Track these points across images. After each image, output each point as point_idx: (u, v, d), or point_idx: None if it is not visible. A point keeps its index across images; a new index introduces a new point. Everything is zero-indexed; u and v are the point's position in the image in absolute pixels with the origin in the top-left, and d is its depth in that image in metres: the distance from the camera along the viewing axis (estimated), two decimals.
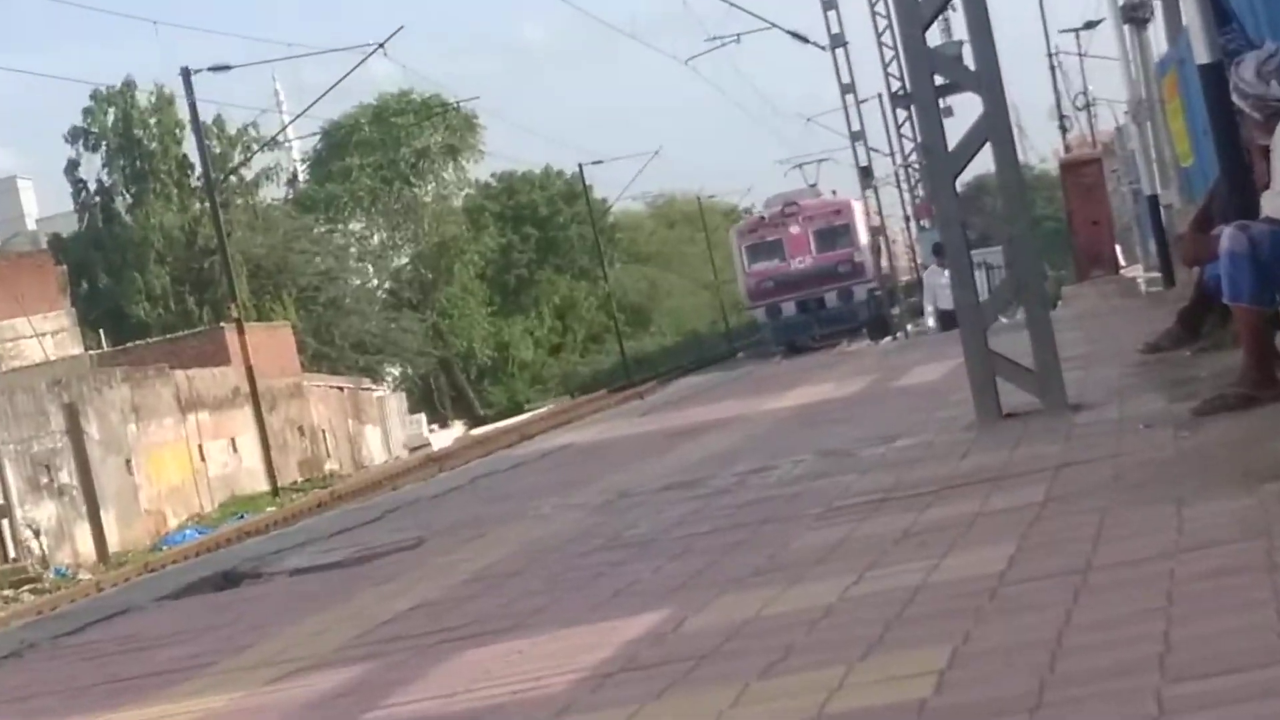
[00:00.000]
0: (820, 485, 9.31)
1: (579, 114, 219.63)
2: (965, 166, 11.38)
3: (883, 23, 57.29)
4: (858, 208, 67.51)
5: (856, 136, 64.00)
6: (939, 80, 11.47)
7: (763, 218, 68.87)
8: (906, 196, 66.49)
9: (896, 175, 67.55)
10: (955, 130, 11.33)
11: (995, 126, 10.94)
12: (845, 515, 7.88)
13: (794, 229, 65.49)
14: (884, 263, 71.82)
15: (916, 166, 60.83)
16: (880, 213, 74.18)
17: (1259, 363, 9.14)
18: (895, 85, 56.53)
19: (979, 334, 11.08)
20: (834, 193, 74.59)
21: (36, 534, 40.23)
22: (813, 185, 75.96)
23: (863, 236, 66.48)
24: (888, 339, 51.57)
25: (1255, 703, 3.59)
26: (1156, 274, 26.76)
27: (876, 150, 67.46)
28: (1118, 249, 43.14)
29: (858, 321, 66.19)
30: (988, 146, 10.98)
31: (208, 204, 58.83)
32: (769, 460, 11.25)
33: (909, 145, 58.59)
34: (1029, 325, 11.11)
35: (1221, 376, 9.87)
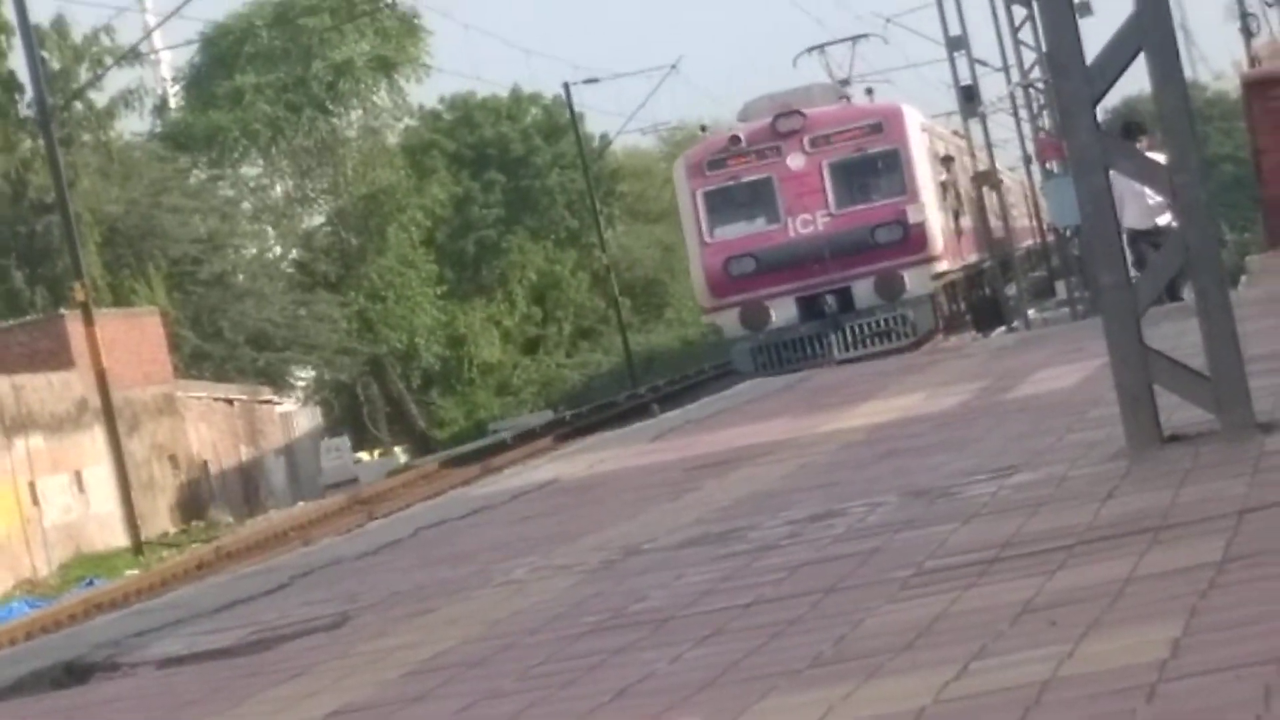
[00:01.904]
0: (906, 539, 9.32)
1: (564, 13, 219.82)
2: (1111, 87, 11.43)
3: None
4: (914, 120, 49.09)
5: (956, 45, 62.24)
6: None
7: (736, 139, 46.58)
8: (1026, 129, 63.86)
9: (1013, 98, 64.72)
10: (1096, 36, 11.34)
11: (1152, 28, 10.98)
12: (942, 582, 7.89)
13: (794, 161, 44.73)
14: (994, 222, 63.55)
15: (1041, 87, 54.07)
16: (991, 153, 66.27)
17: None
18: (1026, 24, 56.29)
19: (1131, 325, 11.11)
20: (869, 93, 55.00)
21: None
22: (843, 82, 56.73)
23: (925, 177, 46.78)
24: (1001, 329, 48.35)
25: None
26: None
27: (984, 64, 65.88)
28: None
29: (914, 333, 47.92)
30: (1141, 58, 11.04)
31: (42, 141, 58.76)
32: (833, 504, 11.25)
33: (1030, 57, 56.39)
34: (1200, 313, 11.12)
35: None
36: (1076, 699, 5.53)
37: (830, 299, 43.90)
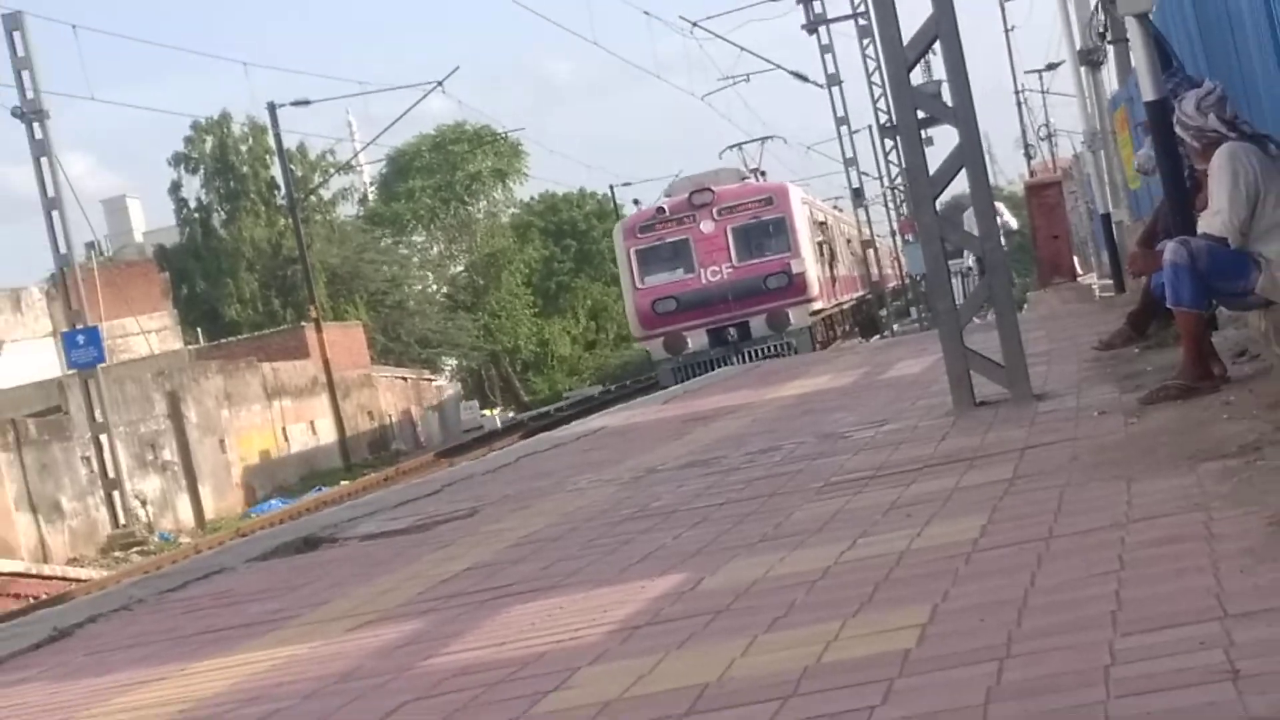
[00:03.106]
0: (819, 464, 9.30)
1: (608, 141, 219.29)
2: (944, 189, 11.40)
3: (872, 64, 56.83)
4: (796, 195, 43.56)
5: (850, 162, 62.30)
6: (920, 114, 11.46)
7: (661, 210, 41.87)
8: (892, 214, 64.18)
9: (884, 195, 63.56)
10: (935, 157, 11.32)
11: (969, 154, 10.93)
12: (840, 490, 7.88)
13: (705, 226, 40.49)
14: (873, 271, 63.47)
15: (901, 188, 53.36)
16: (870, 227, 67.18)
17: (1196, 359, 9.20)
18: (883, 118, 56.22)
19: (956, 333, 11.08)
20: (762, 175, 49.76)
21: (143, 503, 40.34)
22: (755, 170, 50.67)
23: (804, 237, 41.71)
24: (877, 337, 47.39)
25: (1194, 654, 3.60)
26: (1109, 281, 26.79)
27: (866, 174, 65.98)
28: (1075, 260, 43.13)
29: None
30: (963, 171, 11.01)
31: (291, 220, 59.03)
32: (774, 442, 11.25)
33: (894, 170, 56.47)
34: (998, 326, 11.12)
35: (1164, 371, 9.87)
36: (923, 562, 5.55)
37: (732, 330, 40.35)
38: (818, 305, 41.61)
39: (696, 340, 39.84)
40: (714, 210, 40.82)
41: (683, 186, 42.18)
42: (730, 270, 40.23)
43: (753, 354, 39.78)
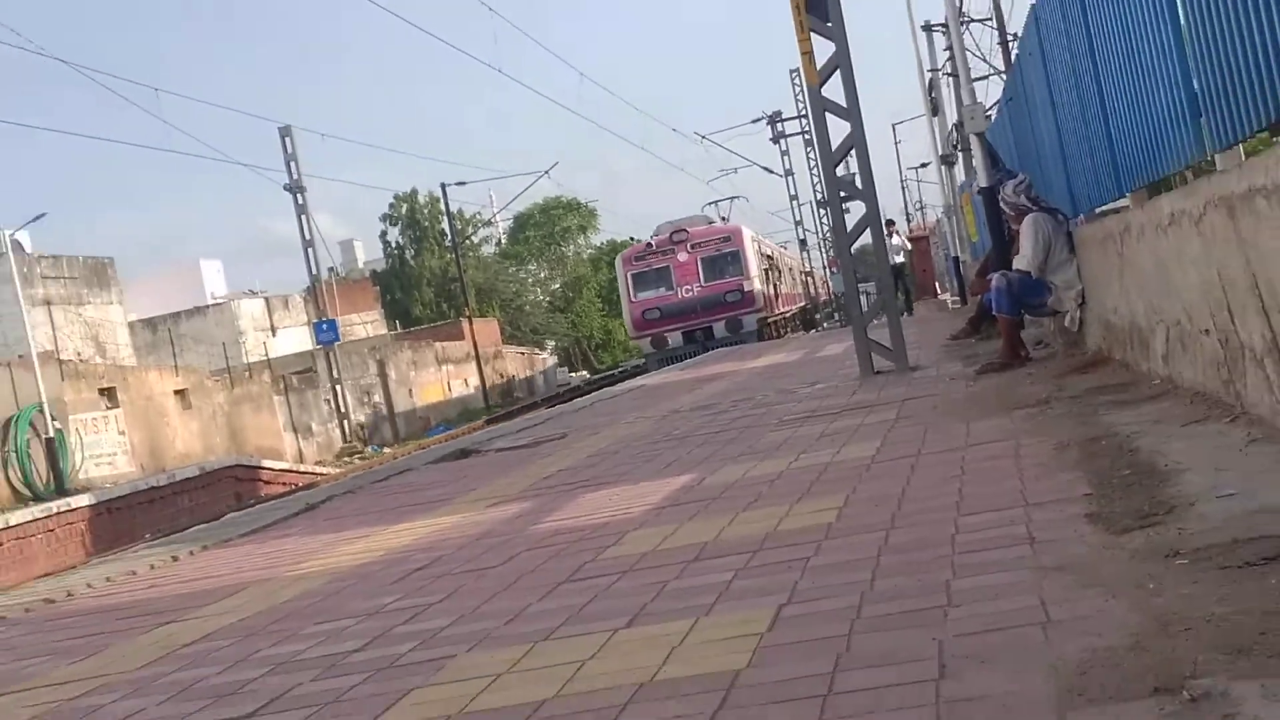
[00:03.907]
0: (777, 408, 9.28)
1: (653, 208, 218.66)
2: (856, 239, 11.34)
3: (813, 162, 56.90)
4: (748, 235, 39.82)
5: (798, 223, 62.90)
6: (842, 194, 11.41)
7: (650, 245, 38.85)
8: (824, 255, 64.63)
9: (820, 244, 65.66)
10: (851, 220, 11.27)
11: (871, 220, 10.89)
12: (789, 424, 7.86)
13: (681, 256, 37.55)
14: (811, 291, 60.31)
15: (830, 239, 51.44)
16: (810, 263, 65.32)
17: (1011, 346, 9.21)
18: (819, 195, 56.36)
19: (862, 329, 11.05)
20: (724, 219, 45.97)
21: (361, 428, 40.57)
22: (723, 218, 46.63)
23: (753, 265, 38.49)
24: (814, 331, 43.99)
25: (1006, 528, 3.60)
26: (957, 298, 26.64)
27: (809, 230, 66.58)
28: (937, 285, 42.90)
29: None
30: (867, 230, 10.97)
31: (453, 255, 59.07)
32: (748, 394, 11.22)
33: (825, 228, 56.88)
34: (888, 324, 11.07)
35: (991, 354, 9.82)
36: (841, 469, 5.51)
37: (700, 333, 36.25)
38: (763, 314, 38.20)
39: (674, 339, 36.64)
40: (688, 245, 37.57)
41: (666, 228, 38.97)
42: (699, 288, 37.22)
43: (715, 350, 36.37)
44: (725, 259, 37.27)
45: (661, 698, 2.61)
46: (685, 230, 37.91)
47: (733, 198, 57.29)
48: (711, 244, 37.40)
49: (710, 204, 55.18)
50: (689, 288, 37.08)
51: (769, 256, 45.36)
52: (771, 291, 42.14)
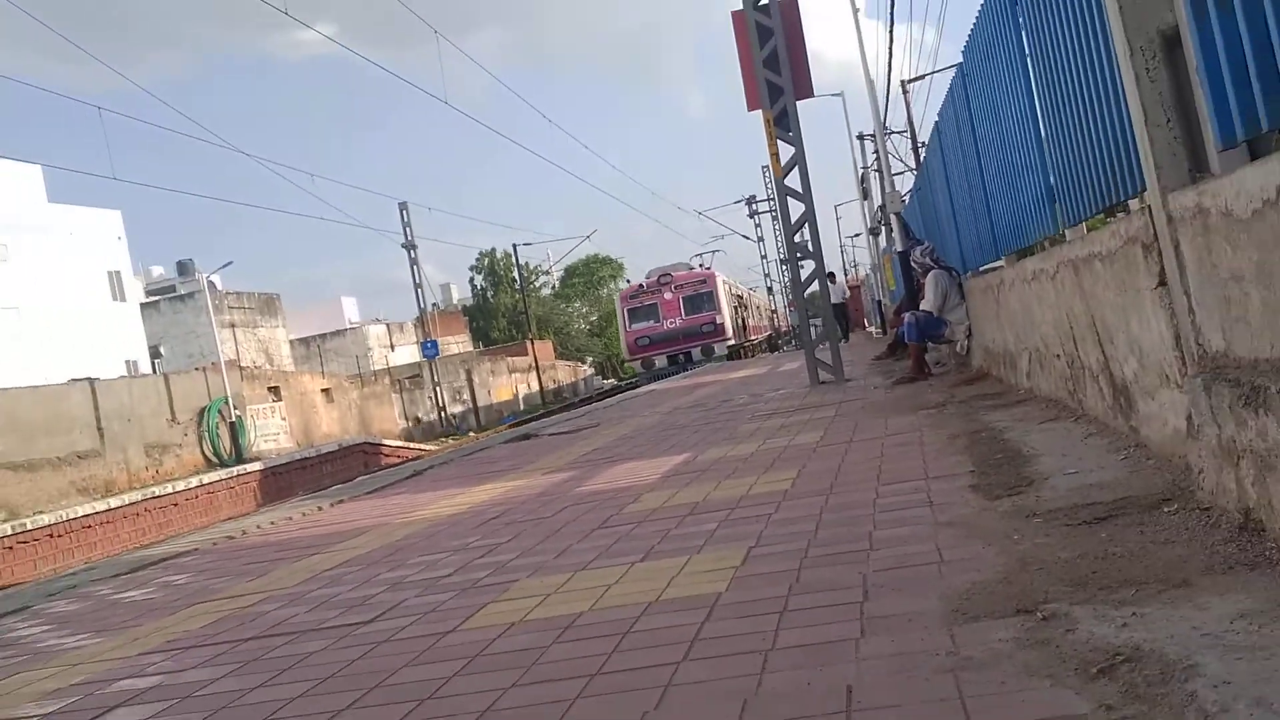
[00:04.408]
0: (750, 407, 9.21)
1: (664, 262, 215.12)
2: (807, 288, 11.30)
3: (779, 231, 56.69)
4: (720, 279, 36.57)
5: (766, 275, 62.66)
6: (798, 254, 11.37)
7: (642, 285, 35.84)
8: (785, 299, 63.76)
9: (783, 290, 64.52)
10: (805, 273, 11.22)
11: (818, 273, 10.83)
12: (758, 418, 7.81)
13: (667, 295, 34.54)
14: (775, 323, 57.62)
15: (789, 287, 50.72)
16: (775, 303, 63.10)
17: (917, 365, 9.12)
18: (783, 256, 56.10)
19: (811, 351, 10.99)
20: (703, 265, 41.38)
21: (453, 418, 40.37)
22: (704, 266, 41.38)
23: (724, 303, 35.27)
24: (776, 352, 42.18)
25: (912, 494, 3.58)
26: (880, 331, 26.48)
27: (775, 280, 65.97)
28: (866, 320, 42.63)
29: None
30: (816, 281, 10.91)
31: (521, 296, 59.05)
32: (729, 397, 11.14)
33: (786, 279, 55.16)
34: (830, 349, 11.01)
35: (903, 370, 9.75)
36: (795, 451, 5.46)
37: (681, 356, 33.30)
38: (732, 342, 35.16)
39: (661, 361, 33.88)
40: (672, 286, 34.65)
41: (655, 273, 36.18)
42: (680, 321, 34.41)
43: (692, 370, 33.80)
44: (702, 298, 34.58)
45: (665, 612, 2.61)
46: (670, 275, 35.30)
47: (714, 251, 56.50)
48: (690, 285, 34.71)
49: (696, 256, 52.94)
50: (672, 320, 34.48)
51: (740, 297, 42.46)
52: (740, 324, 39.62)
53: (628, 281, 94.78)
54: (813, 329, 11.58)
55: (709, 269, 38.23)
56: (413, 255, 37.20)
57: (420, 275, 37.55)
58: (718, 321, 34.32)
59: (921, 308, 9.15)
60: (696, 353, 33.62)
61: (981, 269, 7.88)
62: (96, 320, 34.12)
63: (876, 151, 25.11)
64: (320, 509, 6.88)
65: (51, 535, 17.05)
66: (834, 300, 23.15)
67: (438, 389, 39.50)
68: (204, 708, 2.45)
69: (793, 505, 3.77)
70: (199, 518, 20.19)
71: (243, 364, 34.38)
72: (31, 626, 4.05)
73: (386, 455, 28.58)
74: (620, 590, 2.91)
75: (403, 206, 37.18)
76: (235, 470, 23.41)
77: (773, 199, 55.35)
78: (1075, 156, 4.04)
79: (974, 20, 5.83)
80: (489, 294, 74.48)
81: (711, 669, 2.10)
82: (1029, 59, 4.63)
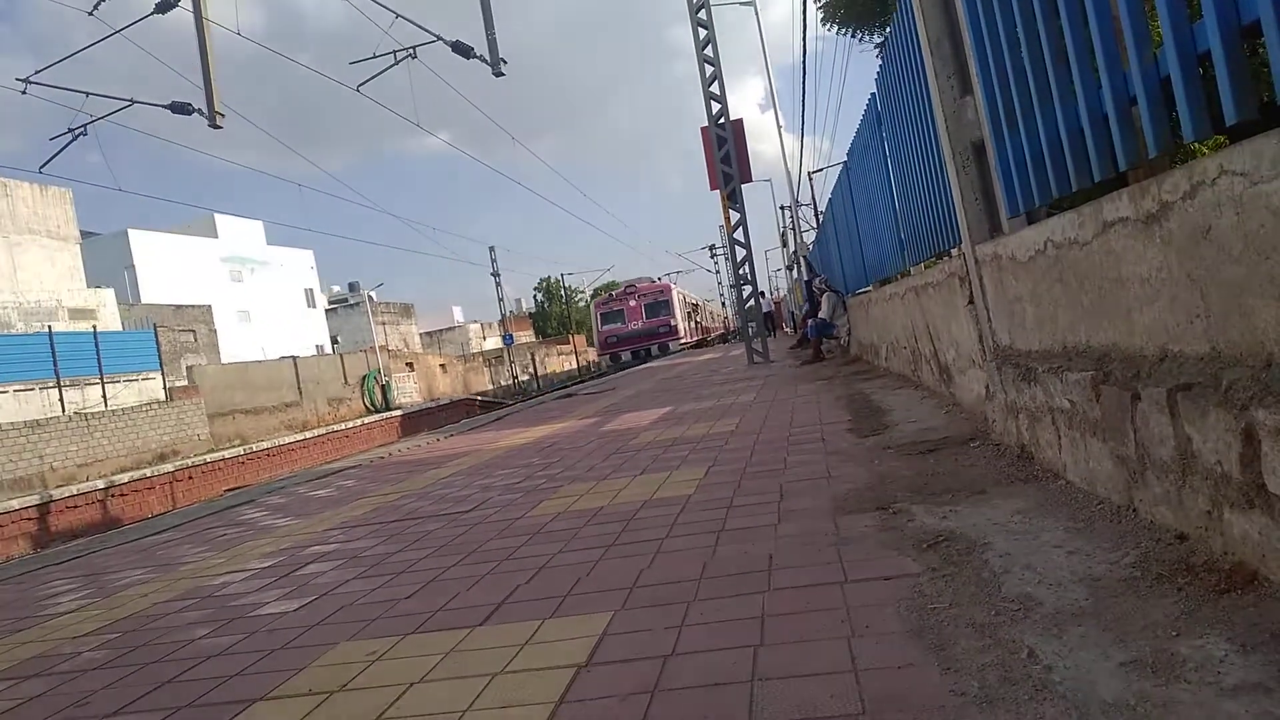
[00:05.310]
0: (710, 378, 9.02)
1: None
2: (748, 303, 11.11)
3: (729, 266, 55.29)
4: (676, 290, 31.43)
5: (722, 296, 62.52)
6: (742, 283, 11.23)
7: (611, 294, 30.26)
8: (733, 310, 61.90)
9: (733, 304, 62.88)
10: (745, 293, 11.05)
11: (754, 294, 10.68)
12: (715, 385, 7.65)
13: (632, 302, 29.18)
14: (726, 325, 50.12)
15: (736, 303, 45.56)
16: (728, 311, 56.97)
17: (816, 353, 8.96)
18: (730, 282, 54.00)
19: (749, 343, 10.87)
20: (661, 279, 35.57)
21: (522, 384, 38.92)
22: (663, 279, 36.55)
23: (678, 309, 29.06)
24: (728, 343, 37.70)
25: (810, 434, 3.54)
26: (793, 331, 26.07)
27: (727, 299, 64.87)
28: (784, 324, 42.01)
29: None
30: (752, 299, 10.76)
31: (566, 306, 58.29)
32: (697, 371, 10.95)
33: (735, 297, 53.37)
34: (761, 342, 10.87)
35: (807, 356, 9.62)
36: (737, 406, 5.33)
37: (643, 351, 28.75)
38: (684, 341, 30.70)
39: (625, 356, 29.67)
40: (636, 295, 30.09)
41: (623, 284, 31.42)
42: (642, 324, 29.95)
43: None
44: (659, 305, 30.26)
45: (655, 506, 2.61)
46: (635, 286, 31.18)
47: (679, 271, 51.61)
48: (651, 295, 30.56)
49: (663, 276, 47.41)
50: (635, 323, 30.16)
51: (695, 305, 38.49)
52: (695, 325, 35.37)
53: None
54: (750, 328, 11.48)
55: (667, 282, 33.91)
56: (497, 280, 37.06)
57: (501, 292, 37.39)
58: (672, 324, 30.73)
59: (820, 316, 9.10)
60: (655, 349, 30.19)
61: (858, 291, 7.84)
62: (297, 320, 35.86)
63: (792, 216, 24.96)
64: (438, 440, 6.84)
65: (269, 455, 17.24)
66: (764, 310, 22.96)
67: (513, 365, 39.22)
68: (364, 563, 2.49)
69: (736, 441, 3.73)
70: (361, 445, 20.28)
71: (389, 348, 34.46)
72: (255, 512, 4.09)
73: (480, 407, 28.55)
74: (627, 493, 2.89)
75: (491, 249, 37.09)
76: (384, 415, 23.54)
77: (725, 246, 54.37)
78: (918, 220, 4.02)
79: (854, 133, 5.77)
80: (545, 305, 73.61)
81: (685, 543, 2.12)
82: (888, 159, 4.59)
